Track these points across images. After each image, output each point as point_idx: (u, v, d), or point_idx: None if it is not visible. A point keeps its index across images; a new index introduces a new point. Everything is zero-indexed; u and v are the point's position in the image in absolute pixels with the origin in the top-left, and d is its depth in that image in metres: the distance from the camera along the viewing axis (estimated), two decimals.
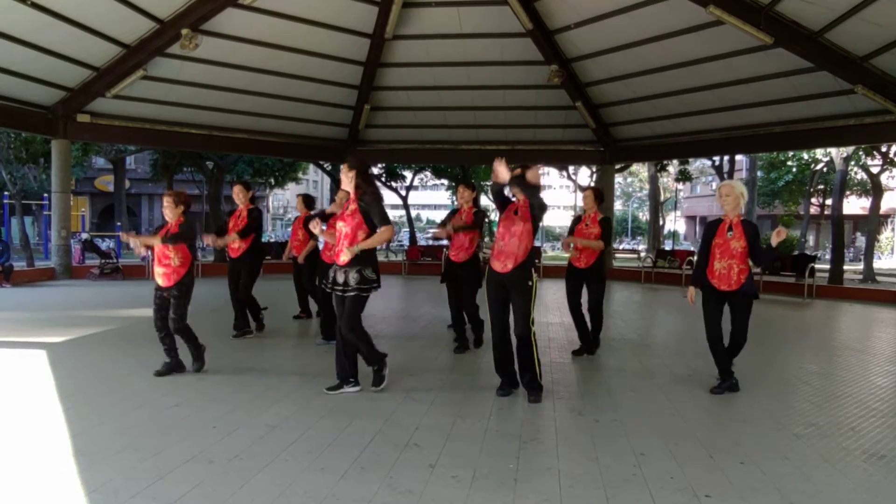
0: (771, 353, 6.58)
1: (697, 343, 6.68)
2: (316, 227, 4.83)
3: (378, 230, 4.42)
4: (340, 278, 4.47)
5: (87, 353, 5.80)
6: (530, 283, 4.40)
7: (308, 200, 7.65)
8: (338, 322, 4.61)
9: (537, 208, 4.41)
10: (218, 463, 3.20)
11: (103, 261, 13.38)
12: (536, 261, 4.45)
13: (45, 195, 17.10)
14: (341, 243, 4.46)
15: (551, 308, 9.72)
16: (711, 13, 9.81)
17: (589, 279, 5.87)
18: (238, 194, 6.76)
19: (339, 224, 4.57)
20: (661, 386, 5.00)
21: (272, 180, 23.69)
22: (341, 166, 4.81)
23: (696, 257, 4.81)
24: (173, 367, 5.01)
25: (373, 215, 4.42)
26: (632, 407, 4.39)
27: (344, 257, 4.42)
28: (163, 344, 5.01)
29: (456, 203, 6.82)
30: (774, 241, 4.39)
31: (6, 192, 17.61)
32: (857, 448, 3.62)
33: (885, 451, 3.56)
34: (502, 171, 4.34)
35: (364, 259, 4.44)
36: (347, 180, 4.48)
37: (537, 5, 11.72)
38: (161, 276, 4.88)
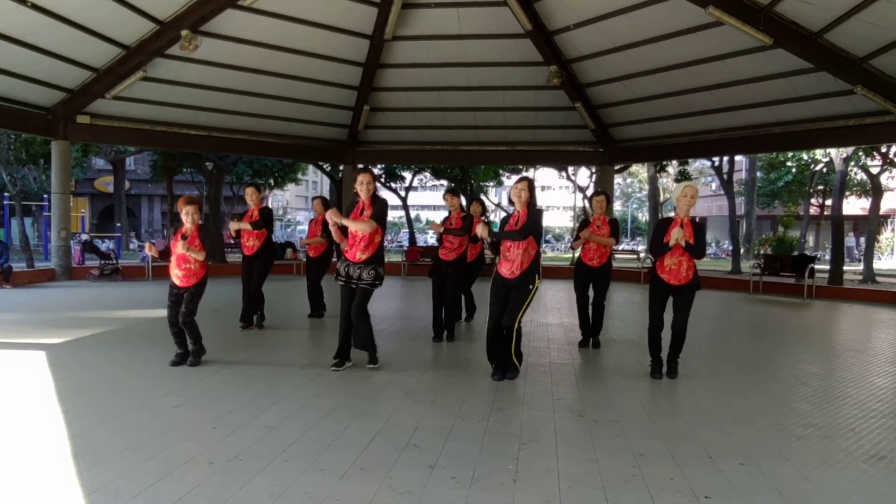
0: (770, 353, 6.59)
1: (696, 344, 6.69)
2: (335, 217, 5.16)
3: (369, 222, 5.02)
4: (354, 273, 5.11)
5: (87, 354, 5.79)
6: (531, 287, 4.82)
7: (326, 202, 8.10)
8: (351, 307, 5.16)
9: (529, 232, 4.74)
10: (218, 464, 3.21)
11: (103, 262, 13.38)
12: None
13: (45, 196, 17.11)
14: (357, 244, 5.07)
15: (551, 309, 9.72)
16: (711, 14, 9.83)
17: (598, 276, 6.33)
18: (251, 196, 7.26)
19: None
20: (661, 386, 5.01)
21: (272, 181, 23.74)
22: (360, 175, 5.17)
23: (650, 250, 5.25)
24: (184, 356, 5.32)
25: (380, 218, 5.10)
26: (631, 407, 4.39)
27: (360, 255, 5.05)
28: (175, 338, 5.34)
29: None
30: (671, 241, 4.87)
31: (6, 193, 17.62)
32: (857, 449, 3.62)
33: (885, 453, 3.57)
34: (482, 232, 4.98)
35: (377, 259, 5.11)
36: (364, 188, 5.06)
37: (537, 6, 11.72)
38: (180, 278, 5.23)
